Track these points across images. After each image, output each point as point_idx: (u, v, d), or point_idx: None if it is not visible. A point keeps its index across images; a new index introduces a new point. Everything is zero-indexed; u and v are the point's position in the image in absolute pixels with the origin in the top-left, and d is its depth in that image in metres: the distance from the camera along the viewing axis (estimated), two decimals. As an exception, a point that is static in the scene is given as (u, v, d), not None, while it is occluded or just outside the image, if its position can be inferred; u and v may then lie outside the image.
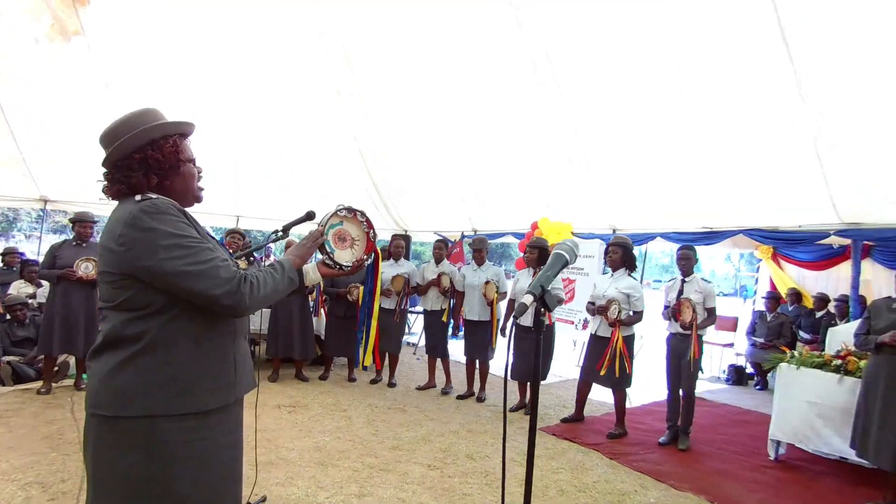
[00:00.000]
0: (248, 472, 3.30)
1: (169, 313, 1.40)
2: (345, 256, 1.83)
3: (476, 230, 9.17)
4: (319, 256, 1.84)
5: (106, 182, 1.48)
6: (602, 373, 4.50)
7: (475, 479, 3.47)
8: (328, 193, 8.84)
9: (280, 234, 2.74)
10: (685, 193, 5.82)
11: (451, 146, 7.58)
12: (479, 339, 5.41)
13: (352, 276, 5.63)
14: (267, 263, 2.18)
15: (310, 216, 2.73)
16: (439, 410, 5.00)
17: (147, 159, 1.46)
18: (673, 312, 4.45)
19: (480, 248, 5.59)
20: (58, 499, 2.89)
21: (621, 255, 4.67)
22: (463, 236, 9.60)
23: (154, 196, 1.44)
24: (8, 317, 5.14)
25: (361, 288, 5.65)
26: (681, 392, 4.47)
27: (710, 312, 4.45)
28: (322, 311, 5.86)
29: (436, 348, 5.69)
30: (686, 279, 4.52)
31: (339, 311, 5.80)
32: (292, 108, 7.14)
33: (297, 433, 4.10)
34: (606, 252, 4.85)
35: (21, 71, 5.61)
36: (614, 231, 6.88)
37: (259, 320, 5.74)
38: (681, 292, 4.48)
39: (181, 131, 1.55)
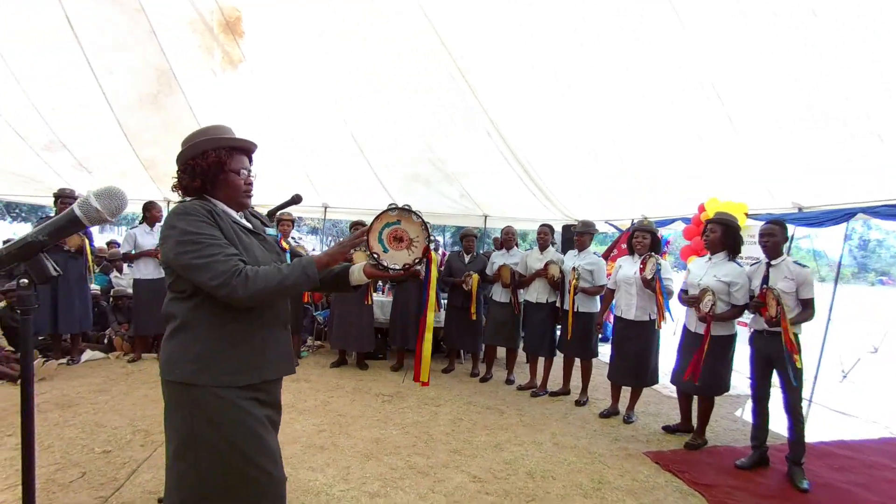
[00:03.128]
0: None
1: (196, 299, 1.61)
2: (398, 258, 1.74)
3: (646, 217, 8.09)
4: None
5: (174, 182, 1.76)
6: (693, 379, 3.73)
7: (512, 502, 2.99)
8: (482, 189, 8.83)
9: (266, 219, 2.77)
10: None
11: (611, 125, 6.70)
12: (575, 332, 4.82)
13: (469, 264, 5.60)
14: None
15: (296, 200, 2.72)
16: (541, 416, 4.50)
17: (195, 167, 1.69)
18: (756, 306, 3.44)
19: (582, 233, 4.89)
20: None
21: (721, 234, 3.82)
22: (633, 224, 8.56)
23: (190, 199, 1.70)
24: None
25: (476, 276, 5.44)
26: (784, 412, 3.47)
27: (806, 304, 3.40)
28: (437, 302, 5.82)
29: (538, 346, 5.16)
30: (772, 263, 3.50)
31: (457, 301, 5.69)
32: (434, 108, 7.13)
33: (372, 423, 4.13)
34: (704, 232, 3.95)
35: (206, 100, 6.88)
36: (800, 209, 5.26)
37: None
38: (766, 279, 3.47)
39: (229, 145, 1.74)
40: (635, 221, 8.48)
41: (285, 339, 1.79)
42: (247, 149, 1.79)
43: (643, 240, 4.36)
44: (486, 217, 9.84)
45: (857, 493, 3.33)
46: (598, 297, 4.83)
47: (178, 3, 5.88)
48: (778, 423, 3.88)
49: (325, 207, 9.03)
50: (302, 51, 6.48)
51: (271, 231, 1.96)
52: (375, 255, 1.70)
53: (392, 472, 3.28)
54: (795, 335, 3.33)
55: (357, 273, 1.79)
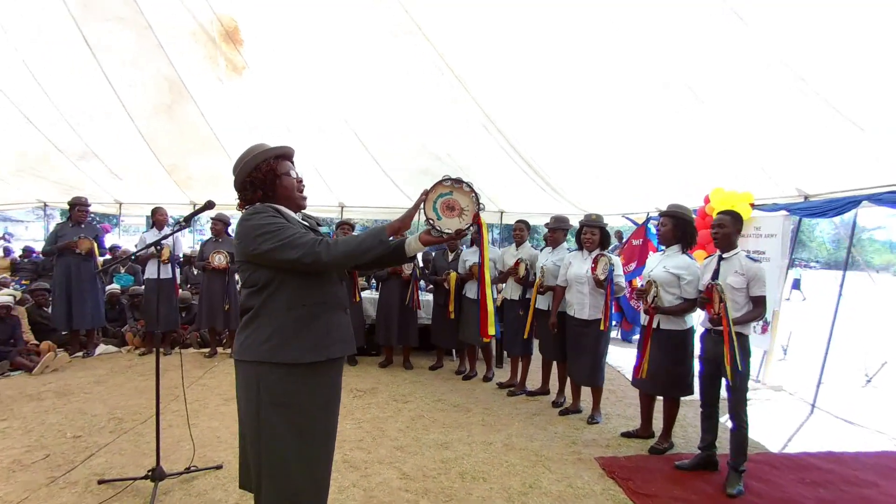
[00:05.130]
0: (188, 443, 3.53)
1: (269, 288, 1.88)
2: (451, 224, 1.89)
3: (658, 209, 7.74)
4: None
5: (238, 200, 2.05)
6: (642, 375, 3.58)
7: (430, 501, 2.98)
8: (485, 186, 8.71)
9: (182, 224, 2.91)
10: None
11: (620, 119, 6.43)
12: (549, 333, 4.64)
13: (452, 262, 5.58)
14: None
15: (209, 205, 2.86)
16: (506, 416, 4.42)
17: (254, 180, 1.97)
18: (702, 301, 3.21)
19: (555, 229, 4.73)
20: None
21: (672, 227, 3.63)
22: (648, 218, 8.19)
23: (258, 204, 1.97)
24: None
25: (454, 274, 5.41)
26: (729, 416, 3.23)
27: (757, 303, 3.12)
28: (416, 300, 5.83)
29: (511, 344, 5.05)
30: (724, 256, 3.25)
31: (440, 299, 5.68)
32: (433, 106, 7.11)
33: (331, 417, 4.21)
34: (658, 225, 3.79)
35: (216, 107, 7.24)
36: (806, 198, 4.86)
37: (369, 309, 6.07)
38: (716, 273, 3.22)
39: (276, 154, 2.01)
40: (650, 214, 8.13)
41: (347, 321, 2.05)
42: (289, 154, 2.05)
43: (592, 236, 4.19)
44: (502, 213, 9.81)
45: (816, 510, 3.06)
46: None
47: (179, 16, 6.22)
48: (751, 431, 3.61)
49: (342, 207, 9.24)
50: (301, 55, 6.64)
51: (325, 229, 2.12)
52: (431, 221, 1.86)
53: (323, 466, 3.34)
54: (741, 337, 3.11)
55: (414, 242, 1.89)
